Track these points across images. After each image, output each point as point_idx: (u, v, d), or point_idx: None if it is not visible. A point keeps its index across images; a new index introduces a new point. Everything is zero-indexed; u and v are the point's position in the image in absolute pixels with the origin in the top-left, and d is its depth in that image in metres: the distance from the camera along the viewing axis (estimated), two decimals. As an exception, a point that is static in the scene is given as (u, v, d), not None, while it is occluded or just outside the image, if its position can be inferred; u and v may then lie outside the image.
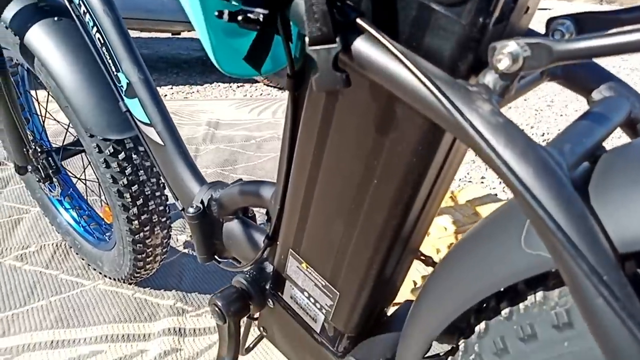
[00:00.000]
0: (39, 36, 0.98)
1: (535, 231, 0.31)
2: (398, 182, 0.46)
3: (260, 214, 0.93)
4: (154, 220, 1.13)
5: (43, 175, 1.17)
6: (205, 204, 0.79)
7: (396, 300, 0.66)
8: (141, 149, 1.06)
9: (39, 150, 1.15)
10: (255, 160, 2.28)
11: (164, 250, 1.23)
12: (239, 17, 0.38)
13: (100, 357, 1.14)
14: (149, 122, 0.82)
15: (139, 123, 0.84)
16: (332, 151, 0.50)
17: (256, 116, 2.95)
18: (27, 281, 1.38)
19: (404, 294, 1.26)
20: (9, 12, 1.00)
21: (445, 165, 0.46)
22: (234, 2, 0.42)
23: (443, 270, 0.47)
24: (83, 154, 1.35)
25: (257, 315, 0.76)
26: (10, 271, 1.41)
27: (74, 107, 0.97)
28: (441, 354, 0.68)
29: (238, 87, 3.62)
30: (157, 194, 1.11)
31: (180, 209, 0.88)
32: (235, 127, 2.71)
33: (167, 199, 1.15)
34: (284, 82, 3.53)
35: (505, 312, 0.43)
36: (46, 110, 1.26)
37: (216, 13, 0.39)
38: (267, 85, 3.62)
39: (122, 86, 0.83)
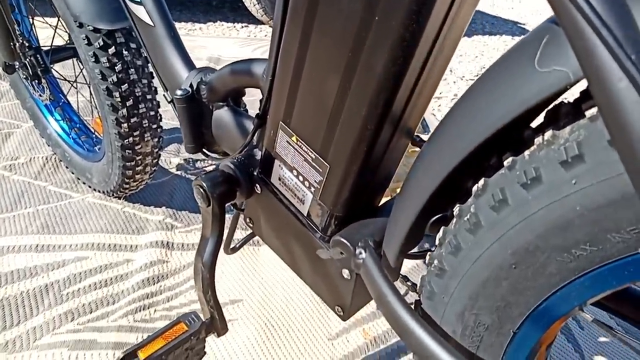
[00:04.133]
0: None
1: (560, 21, 0.27)
2: (399, 22, 0.42)
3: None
4: (144, 125, 1.08)
5: (31, 73, 1.12)
6: (195, 87, 0.74)
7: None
8: (133, 45, 1.00)
9: (26, 45, 1.10)
10: (257, 96, 2.22)
11: (154, 160, 1.19)
12: None
13: (85, 263, 1.12)
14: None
15: (128, 2, 0.79)
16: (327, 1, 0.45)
17: (259, 55, 2.87)
18: (15, 190, 1.35)
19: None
20: None
21: (451, 11, 0.42)
22: None
23: (447, 119, 0.43)
24: (75, 60, 1.30)
25: (243, 207, 0.73)
26: (-2, 179, 1.38)
27: (62, -10, 0.91)
28: (432, 249, 0.65)
29: (242, 27, 3.51)
30: (149, 97, 1.06)
31: (169, 100, 0.84)
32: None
33: (159, 105, 1.11)
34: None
35: (507, 162, 0.39)
36: (34, 10, 1.20)
37: None
38: (272, 27, 3.52)
39: (111, -41, 0.77)
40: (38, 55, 1.12)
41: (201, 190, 0.66)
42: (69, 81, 1.27)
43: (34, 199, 1.32)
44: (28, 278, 1.06)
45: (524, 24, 4.50)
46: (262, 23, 3.58)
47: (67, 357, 0.89)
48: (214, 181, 0.66)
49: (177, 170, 1.53)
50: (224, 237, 0.71)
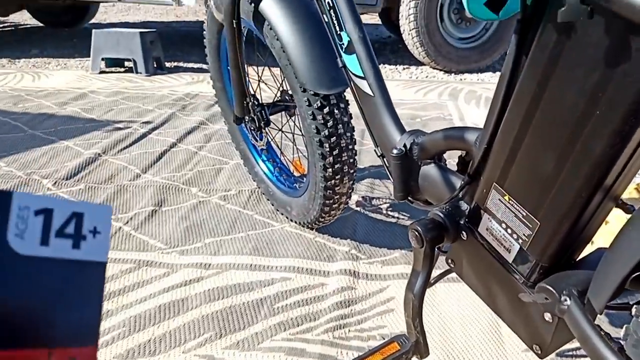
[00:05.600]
0: (271, 3, 1.18)
1: None
2: (619, 117, 0.51)
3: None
4: (344, 171, 1.28)
5: (257, 126, 1.40)
6: (408, 147, 0.90)
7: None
8: (342, 105, 1.21)
9: (255, 103, 1.37)
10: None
11: (347, 199, 1.39)
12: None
13: (288, 282, 1.34)
14: (362, 75, 0.96)
15: (352, 76, 0.98)
16: (555, 87, 0.56)
17: (422, 97, 3.02)
18: (230, 217, 1.65)
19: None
20: (250, -16, 1.22)
21: None
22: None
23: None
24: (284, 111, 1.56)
25: (445, 249, 0.86)
26: (217, 207, 1.70)
27: (294, 65, 1.15)
28: (631, 303, 0.70)
29: (404, 69, 3.71)
30: (350, 147, 1.26)
31: (379, 154, 1.01)
32: (400, 106, 2.81)
33: (356, 154, 1.30)
34: (451, 65, 3.53)
35: None
36: (265, 69, 1.49)
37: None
38: (434, 68, 3.65)
39: (342, 44, 0.98)
40: (262, 111, 1.39)
41: (416, 233, 0.80)
42: (279, 129, 1.54)
43: (245, 225, 1.60)
44: (246, 291, 1.31)
45: None
46: (422, 64, 3.73)
47: (283, 360, 1.09)
48: (427, 226, 0.79)
49: (356, 206, 1.72)
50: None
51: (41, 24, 5.33)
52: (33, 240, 0.24)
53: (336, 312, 1.23)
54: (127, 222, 1.62)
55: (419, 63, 3.76)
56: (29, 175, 1.93)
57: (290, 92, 1.36)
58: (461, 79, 3.45)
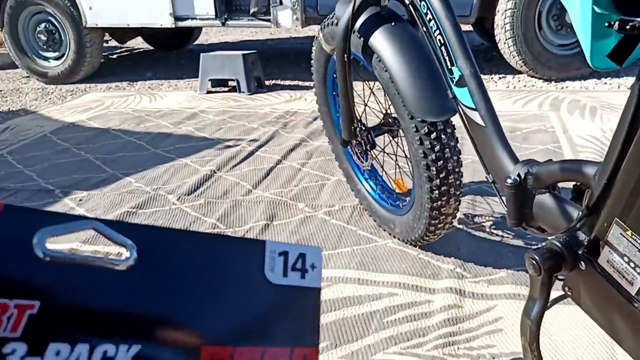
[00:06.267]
0: (380, 38, 1.26)
1: None
2: None
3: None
4: (451, 192, 1.33)
5: (363, 149, 1.49)
6: (522, 177, 0.94)
7: None
8: (449, 130, 1.26)
9: (362, 127, 1.46)
10: (522, 152, 2.32)
11: (452, 220, 1.43)
12: (628, 27, 0.51)
13: (395, 298, 1.41)
14: (474, 107, 1.01)
15: (463, 107, 1.04)
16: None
17: (520, 108, 2.95)
18: (335, 231, 1.75)
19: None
20: (359, 21, 1.31)
21: None
22: (614, 15, 0.55)
23: None
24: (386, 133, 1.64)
25: (561, 276, 0.88)
26: (322, 222, 1.81)
27: (403, 94, 1.22)
28: None
29: (499, 78, 3.63)
30: (457, 170, 1.30)
31: (490, 181, 1.05)
32: (499, 117, 2.77)
33: (462, 176, 1.34)
34: (550, 74, 3.41)
35: None
36: (372, 93, 1.58)
37: (606, 24, 0.52)
38: (532, 77, 3.54)
39: (453, 77, 1.03)
40: (368, 135, 1.47)
41: (534, 262, 0.83)
42: (382, 149, 1.61)
43: (350, 240, 1.69)
44: (356, 305, 1.39)
45: None
46: (519, 73, 3.63)
47: (396, 373, 1.16)
48: (544, 255, 0.82)
49: (459, 223, 1.75)
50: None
51: (151, 48, 5.84)
52: (279, 273, 0.35)
53: (444, 329, 1.28)
54: (244, 235, 1.77)
55: (515, 71, 3.66)
56: (156, 190, 2.17)
57: (394, 115, 1.43)
58: (562, 88, 3.32)
